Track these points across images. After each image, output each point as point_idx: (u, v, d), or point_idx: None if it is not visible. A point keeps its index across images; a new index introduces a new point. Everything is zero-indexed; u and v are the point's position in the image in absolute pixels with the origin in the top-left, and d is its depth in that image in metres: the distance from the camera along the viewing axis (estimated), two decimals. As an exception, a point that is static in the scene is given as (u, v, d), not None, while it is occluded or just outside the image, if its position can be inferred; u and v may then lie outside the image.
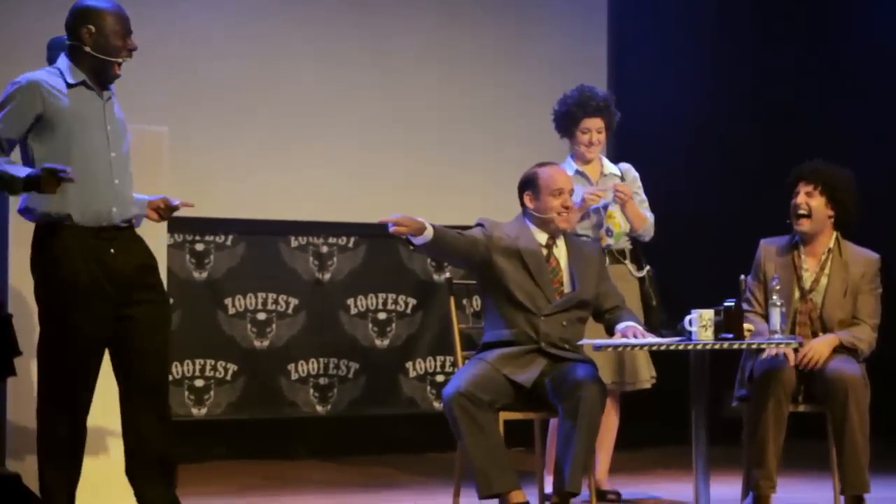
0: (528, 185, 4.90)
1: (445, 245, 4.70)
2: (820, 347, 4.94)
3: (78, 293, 4.07)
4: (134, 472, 4.22)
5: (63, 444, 4.11)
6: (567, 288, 4.82)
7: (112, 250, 4.12)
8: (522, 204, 4.90)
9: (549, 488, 4.80)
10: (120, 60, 4.18)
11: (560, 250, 4.89)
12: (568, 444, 4.56)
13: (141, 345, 4.17)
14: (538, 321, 4.73)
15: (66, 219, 4.09)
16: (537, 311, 4.74)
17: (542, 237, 4.86)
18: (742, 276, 5.29)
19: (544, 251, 4.84)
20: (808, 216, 5.06)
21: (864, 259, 5.14)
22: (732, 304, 4.55)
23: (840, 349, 4.98)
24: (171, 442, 4.25)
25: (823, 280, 5.09)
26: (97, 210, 4.11)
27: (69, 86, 4.14)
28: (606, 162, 5.64)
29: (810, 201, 5.05)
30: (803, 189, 5.07)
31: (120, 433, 4.31)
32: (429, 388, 7.21)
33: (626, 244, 5.56)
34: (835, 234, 5.15)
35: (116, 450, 4.65)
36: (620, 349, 4.97)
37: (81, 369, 4.12)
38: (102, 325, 4.12)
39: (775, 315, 4.71)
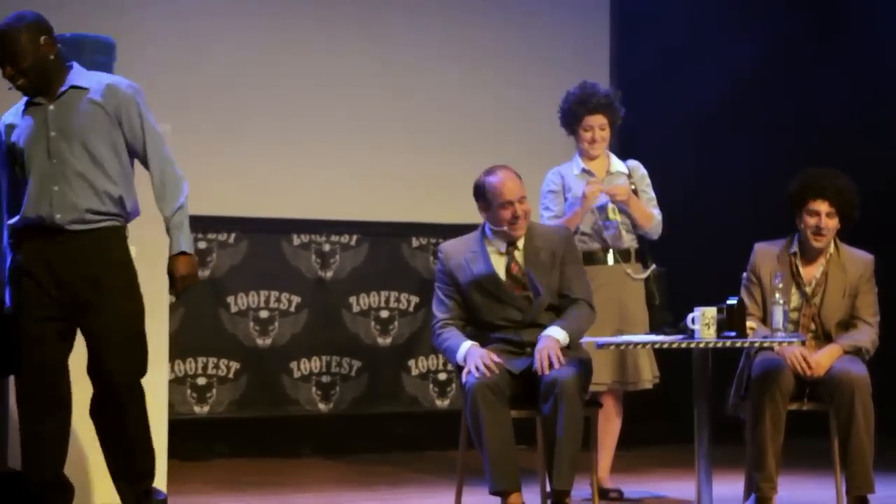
0: (478, 195, 4.84)
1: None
2: (822, 361, 4.95)
3: (25, 292, 4.21)
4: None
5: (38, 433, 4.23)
6: (533, 292, 4.79)
7: (60, 255, 4.19)
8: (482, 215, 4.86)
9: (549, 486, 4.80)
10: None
11: (520, 253, 4.84)
12: (552, 443, 4.54)
13: (94, 356, 4.24)
14: (519, 332, 4.75)
15: (20, 222, 4.23)
16: (514, 325, 4.76)
17: (502, 245, 4.83)
18: (745, 274, 5.28)
19: (504, 260, 4.80)
20: (827, 234, 5.08)
21: (860, 260, 5.16)
22: (735, 301, 4.56)
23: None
24: (141, 452, 4.26)
25: (824, 284, 5.10)
26: (41, 215, 4.18)
27: (26, 104, 4.27)
28: (614, 159, 5.63)
29: (829, 223, 5.06)
30: (825, 210, 5.04)
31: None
32: (431, 386, 7.21)
33: (631, 243, 5.54)
34: (833, 238, 5.17)
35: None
36: (623, 347, 4.92)
37: (30, 362, 4.21)
38: (44, 326, 4.19)
39: (777, 313, 4.72)
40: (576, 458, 4.55)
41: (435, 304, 4.88)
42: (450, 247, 4.89)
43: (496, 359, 4.61)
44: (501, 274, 4.79)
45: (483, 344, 4.74)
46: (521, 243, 4.84)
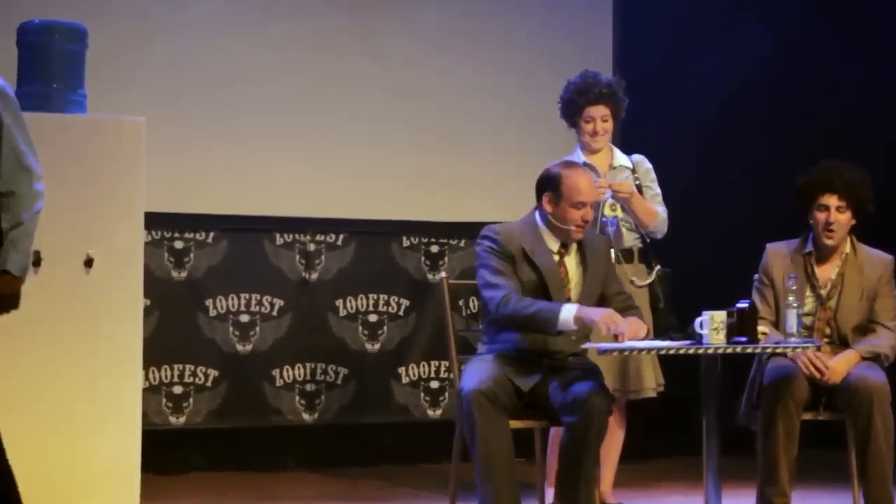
0: (549, 186, 4.80)
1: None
2: (837, 367, 4.98)
3: None
4: None
5: None
6: (574, 298, 4.80)
7: None
8: (539, 202, 4.84)
9: (549, 499, 4.80)
10: None
11: (571, 259, 4.86)
12: (575, 462, 4.58)
13: None
14: (548, 337, 4.73)
15: None
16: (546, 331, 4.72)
17: (555, 244, 4.83)
18: (756, 276, 5.32)
19: (556, 259, 4.82)
20: (837, 230, 5.11)
21: (879, 261, 5.20)
22: (746, 305, 4.57)
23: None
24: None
25: (840, 286, 5.13)
26: None
27: None
28: (618, 153, 5.64)
29: (840, 217, 5.10)
30: (834, 204, 5.08)
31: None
32: (422, 394, 7.19)
33: (634, 242, 5.56)
34: (849, 236, 5.21)
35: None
36: (626, 353, 4.95)
37: None
38: None
39: (791, 317, 4.74)
40: (594, 476, 4.64)
41: (490, 276, 4.71)
42: (505, 229, 4.81)
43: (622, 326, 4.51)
44: (560, 275, 4.80)
45: (496, 349, 4.75)
46: (573, 248, 4.85)
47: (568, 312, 4.57)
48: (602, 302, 4.84)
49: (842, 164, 5.15)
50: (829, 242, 5.12)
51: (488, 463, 4.50)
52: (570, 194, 4.75)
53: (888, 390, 4.90)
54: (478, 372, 4.66)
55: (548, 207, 4.80)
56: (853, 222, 5.16)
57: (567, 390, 4.63)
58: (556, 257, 4.82)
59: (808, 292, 5.14)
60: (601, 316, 4.52)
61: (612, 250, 5.39)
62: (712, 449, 4.64)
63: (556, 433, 5.02)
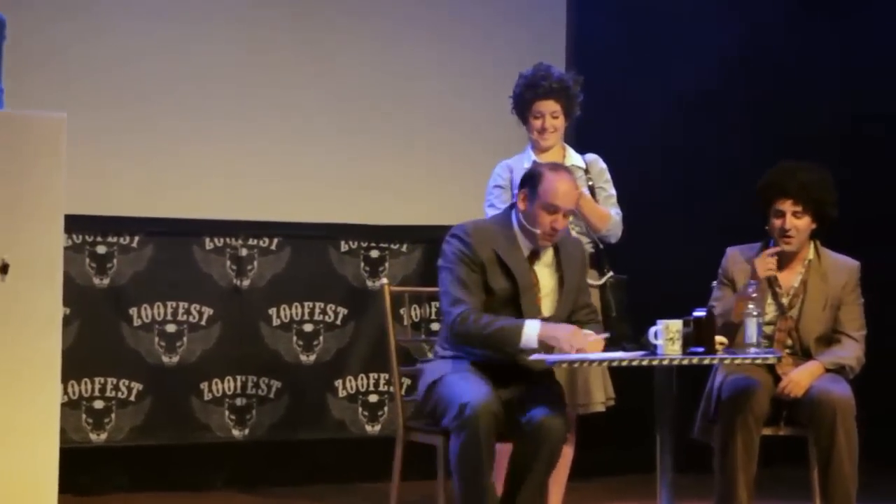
0: (528, 182, 4.77)
1: None
2: (799, 379, 5.01)
3: None
4: None
5: None
6: (546, 310, 4.78)
7: None
8: (516, 199, 4.80)
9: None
10: None
11: (543, 266, 4.82)
12: (520, 488, 4.60)
13: None
14: (516, 355, 4.69)
15: None
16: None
17: (527, 249, 4.80)
18: (714, 283, 5.34)
19: (527, 265, 4.78)
20: (795, 235, 5.13)
21: (844, 268, 5.22)
22: (703, 313, 4.57)
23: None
24: None
25: (802, 294, 5.16)
26: None
27: None
28: (570, 152, 5.62)
29: (797, 223, 5.11)
30: (790, 209, 5.10)
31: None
32: (361, 409, 7.16)
33: (585, 246, 5.45)
34: (812, 242, 5.23)
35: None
36: (575, 365, 4.93)
37: None
38: None
39: (751, 326, 4.74)
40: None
41: (452, 286, 4.66)
42: (477, 230, 4.75)
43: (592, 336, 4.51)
44: (532, 283, 4.75)
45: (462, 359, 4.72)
46: (547, 253, 4.81)
47: (531, 330, 4.54)
48: (573, 313, 4.85)
49: (799, 166, 5.16)
50: (788, 248, 5.14)
51: (476, 495, 4.49)
52: (544, 194, 4.71)
53: (853, 404, 4.91)
54: (471, 384, 4.56)
55: (521, 205, 4.77)
56: (813, 226, 5.16)
57: (525, 409, 4.61)
58: (528, 263, 4.78)
59: (770, 300, 5.14)
60: (566, 335, 4.49)
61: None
62: (666, 466, 4.64)
63: (503, 450, 4.96)
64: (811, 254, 5.21)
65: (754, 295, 4.82)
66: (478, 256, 4.67)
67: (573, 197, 4.80)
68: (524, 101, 5.52)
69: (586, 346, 4.46)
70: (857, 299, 5.19)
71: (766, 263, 5.11)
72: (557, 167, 4.86)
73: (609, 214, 5.53)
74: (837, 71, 7.62)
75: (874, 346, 5.26)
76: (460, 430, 4.47)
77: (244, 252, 6.97)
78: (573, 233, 5.43)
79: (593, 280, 5.49)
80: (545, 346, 4.63)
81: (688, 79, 7.39)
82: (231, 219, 6.91)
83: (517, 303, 4.69)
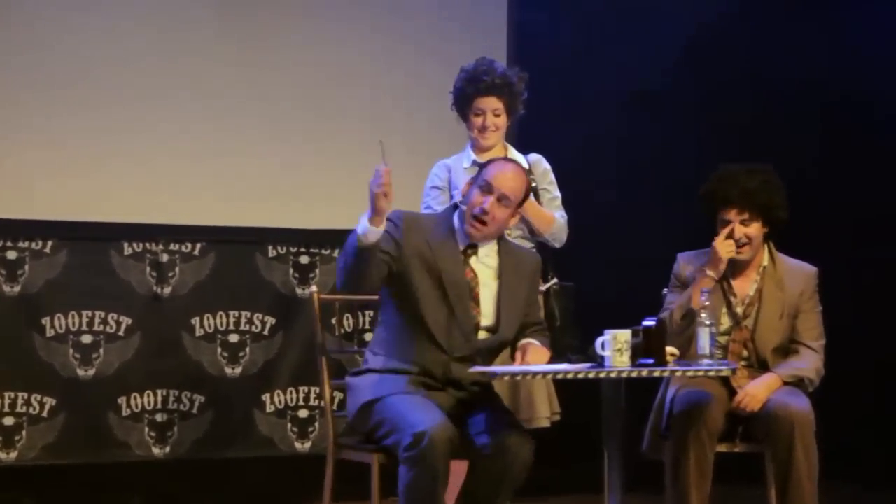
0: (478, 171, 4.82)
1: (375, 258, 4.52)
2: (756, 392, 5.02)
3: None
4: None
5: None
6: (485, 319, 4.75)
7: None
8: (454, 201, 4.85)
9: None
10: None
11: (482, 264, 4.78)
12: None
13: None
14: (448, 362, 4.67)
15: None
16: (449, 351, 4.67)
17: (462, 242, 4.77)
18: (664, 291, 5.36)
19: (461, 258, 4.74)
20: (748, 243, 5.15)
21: (801, 274, 5.25)
22: (653, 323, 4.55)
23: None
24: None
25: (757, 303, 5.18)
26: None
27: None
28: (513, 152, 5.60)
29: (747, 230, 5.13)
30: (737, 217, 5.12)
31: None
32: (290, 425, 7.13)
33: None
34: (766, 247, 5.25)
35: None
36: (518, 378, 4.92)
37: None
38: None
39: (704, 336, 4.72)
40: None
41: None
42: (412, 217, 4.74)
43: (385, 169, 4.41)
44: (465, 277, 4.71)
45: (395, 366, 4.67)
46: (485, 256, 4.77)
47: (361, 220, 4.46)
48: (522, 330, 4.83)
49: (740, 171, 5.18)
50: (741, 258, 5.16)
51: None
52: (484, 174, 4.72)
53: (812, 419, 4.92)
54: (421, 408, 4.51)
55: (464, 188, 4.80)
56: (765, 230, 5.18)
57: (481, 428, 4.59)
58: (463, 256, 4.75)
59: (724, 309, 5.16)
60: (370, 189, 4.42)
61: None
62: (615, 484, 4.64)
63: (458, 469, 4.91)
64: (766, 260, 5.25)
65: (706, 303, 4.80)
66: (403, 239, 4.64)
67: (513, 185, 4.75)
68: (465, 97, 5.51)
69: (384, 182, 4.38)
70: (815, 307, 5.22)
71: (726, 246, 5.13)
72: (512, 161, 4.87)
73: (554, 217, 5.52)
74: (793, 66, 7.62)
75: (834, 357, 5.30)
76: (416, 461, 4.41)
77: (165, 258, 6.93)
78: (513, 236, 5.44)
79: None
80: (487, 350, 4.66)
81: (636, 76, 7.46)
82: (151, 222, 6.87)
83: (447, 297, 4.64)
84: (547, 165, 5.64)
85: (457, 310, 4.66)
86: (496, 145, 5.56)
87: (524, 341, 4.77)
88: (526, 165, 5.56)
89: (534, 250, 5.25)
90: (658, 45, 7.46)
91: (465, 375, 4.64)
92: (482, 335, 4.74)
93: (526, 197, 4.87)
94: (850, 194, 7.36)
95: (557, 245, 5.55)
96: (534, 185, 5.50)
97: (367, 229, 4.41)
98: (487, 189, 4.69)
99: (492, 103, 5.48)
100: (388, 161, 4.44)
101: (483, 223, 4.70)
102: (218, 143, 6.95)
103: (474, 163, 5.50)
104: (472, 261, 4.76)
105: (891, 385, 6.88)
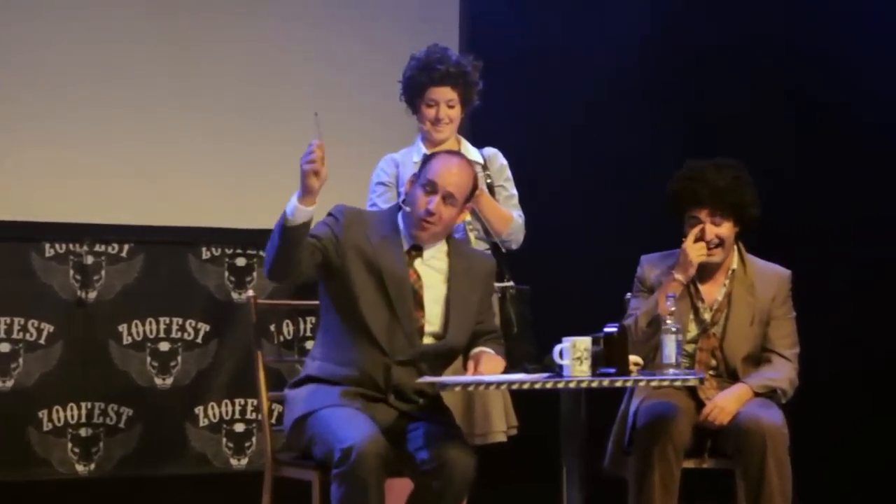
0: (420, 167, 4.77)
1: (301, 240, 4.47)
2: (725, 404, 5.02)
3: None
4: None
5: None
6: (431, 325, 4.71)
7: None
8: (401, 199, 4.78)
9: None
10: None
11: (428, 269, 4.74)
12: None
13: None
14: (391, 366, 4.63)
15: None
16: (390, 354, 4.63)
17: (406, 242, 4.73)
18: (627, 296, 5.34)
19: (405, 259, 4.69)
20: (720, 244, 5.15)
21: (773, 277, 5.26)
22: (615, 329, 4.51)
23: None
24: None
25: (726, 309, 5.18)
26: None
27: None
28: (466, 146, 5.59)
29: (718, 230, 5.14)
30: (707, 218, 5.12)
31: None
32: (225, 440, 7.10)
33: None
34: (736, 248, 5.26)
35: None
36: (471, 389, 4.88)
37: None
38: None
39: (670, 344, 4.71)
40: None
41: None
42: (354, 212, 4.70)
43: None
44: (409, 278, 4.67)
45: (332, 372, 4.63)
46: (432, 258, 4.73)
47: (293, 196, 4.41)
48: (475, 339, 4.80)
49: (708, 167, 5.18)
50: (712, 260, 5.15)
51: None
52: (427, 171, 4.68)
53: (785, 433, 4.92)
54: (351, 422, 4.47)
55: (406, 187, 4.75)
56: (736, 230, 5.18)
57: (422, 443, 4.55)
58: (406, 258, 4.71)
59: (691, 316, 5.17)
60: (301, 166, 4.35)
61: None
62: (574, 503, 4.60)
63: (398, 486, 4.90)
64: (735, 262, 5.26)
65: (672, 308, 4.78)
66: (343, 234, 4.61)
67: (458, 181, 4.70)
68: (417, 87, 5.49)
69: (315, 158, 4.33)
70: (788, 313, 5.22)
71: (696, 248, 5.12)
72: (456, 154, 4.82)
73: (511, 216, 5.51)
74: (758, 57, 7.62)
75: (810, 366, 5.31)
76: (345, 479, 4.38)
77: (90, 260, 6.89)
78: (471, 236, 5.45)
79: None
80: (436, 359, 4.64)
81: (597, 68, 7.44)
82: (74, 221, 6.84)
83: (388, 298, 4.61)
84: (504, 161, 5.62)
85: (398, 310, 4.62)
86: (449, 139, 5.54)
87: (477, 350, 4.74)
88: (481, 160, 5.58)
89: (488, 252, 5.23)
90: (620, 35, 7.49)
91: (409, 383, 4.61)
92: (427, 341, 4.70)
93: (474, 191, 4.84)
94: (824, 193, 7.35)
95: (514, 246, 5.53)
96: (489, 181, 5.52)
97: (296, 208, 4.36)
98: (432, 188, 4.65)
99: (446, 94, 5.46)
100: (322, 135, 4.37)
101: (430, 224, 4.67)
102: (149, 137, 6.92)
103: (425, 157, 5.41)
104: (417, 263, 4.73)
105: (874, 395, 6.85)
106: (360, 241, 4.62)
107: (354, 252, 4.61)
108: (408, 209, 4.68)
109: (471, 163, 4.88)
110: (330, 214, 4.62)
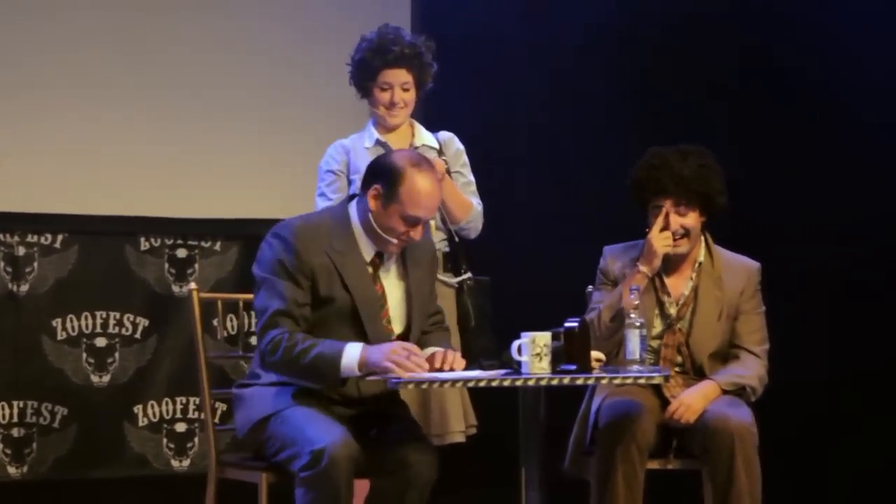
0: (383, 177, 4.59)
1: None
2: (692, 402, 5.03)
3: None
4: None
5: None
6: (396, 328, 4.71)
7: None
8: (364, 192, 4.66)
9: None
10: None
11: (389, 272, 4.73)
12: None
13: None
14: (359, 381, 4.62)
15: None
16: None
17: (369, 252, 4.69)
18: (589, 288, 5.36)
19: (369, 270, 4.68)
20: (686, 235, 5.17)
21: (742, 270, 5.28)
22: (576, 324, 4.52)
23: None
24: None
25: (692, 303, 5.20)
26: None
27: None
28: (421, 131, 5.63)
29: (683, 220, 5.15)
30: (672, 209, 5.14)
31: None
32: (166, 441, 7.08)
33: (440, 243, 5.50)
34: (703, 239, 5.28)
35: None
36: (425, 386, 4.80)
37: None
38: None
39: (634, 339, 4.71)
40: None
41: (269, 301, 4.55)
42: (306, 231, 4.59)
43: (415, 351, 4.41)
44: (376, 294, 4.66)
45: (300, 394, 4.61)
46: (391, 260, 4.71)
47: (351, 356, 4.43)
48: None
49: (672, 154, 5.20)
50: (679, 251, 5.18)
51: None
52: (406, 203, 4.55)
53: (755, 432, 4.94)
54: (321, 423, 4.48)
55: (372, 204, 4.62)
56: (703, 219, 5.20)
57: (385, 443, 4.59)
58: (370, 269, 4.69)
59: (656, 310, 5.18)
60: (386, 355, 4.39)
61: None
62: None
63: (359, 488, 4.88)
64: (702, 255, 5.25)
65: (636, 302, 4.79)
66: (305, 265, 4.56)
67: (437, 200, 4.69)
68: (369, 70, 5.50)
69: (423, 364, 4.40)
70: (757, 307, 5.24)
71: (662, 239, 5.14)
72: (421, 162, 4.64)
73: (471, 204, 5.55)
74: (729, 46, 7.66)
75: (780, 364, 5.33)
76: (315, 482, 4.39)
77: (21, 251, 6.88)
78: (431, 224, 5.42)
79: (446, 278, 5.51)
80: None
81: (555, 51, 7.44)
82: (5, 210, 6.81)
83: (358, 317, 4.61)
84: (460, 146, 5.64)
85: (369, 332, 4.61)
86: (403, 123, 5.56)
87: (431, 350, 4.69)
88: (436, 145, 5.59)
89: (427, 236, 5.13)
90: (580, 13, 7.47)
91: (376, 388, 4.62)
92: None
93: None
94: (785, 191, 7.41)
95: (472, 235, 5.57)
96: (445, 167, 5.49)
97: (351, 371, 4.45)
98: (414, 222, 4.59)
99: (400, 76, 5.49)
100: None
101: (406, 244, 4.67)
102: (83, 120, 6.90)
103: (378, 142, 5.49)
104: (381, 273, 4.72)
105: (845, 394, 6.89)
106: (321, 260, 4.58)
107: (322, 271, 4.57)
108: (378, 230, 4.60)
109: (436, 174, 4.73)
110: (278, 237, 4.56)
